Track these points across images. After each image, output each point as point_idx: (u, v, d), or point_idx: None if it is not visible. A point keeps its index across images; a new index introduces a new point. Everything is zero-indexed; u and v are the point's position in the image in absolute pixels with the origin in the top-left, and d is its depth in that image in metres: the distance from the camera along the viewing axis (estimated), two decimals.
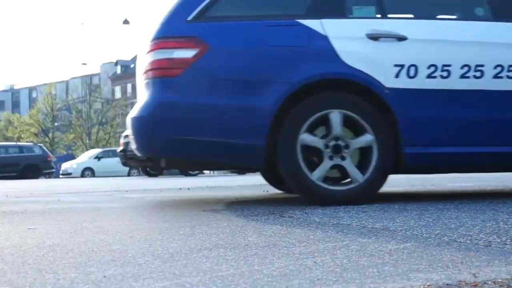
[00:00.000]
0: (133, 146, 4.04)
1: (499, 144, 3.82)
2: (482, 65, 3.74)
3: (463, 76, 3.72)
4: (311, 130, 3.69)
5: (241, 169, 14.16)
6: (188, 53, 3.71)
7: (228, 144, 3.71)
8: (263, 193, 5.53)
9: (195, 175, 21.53)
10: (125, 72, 79.03)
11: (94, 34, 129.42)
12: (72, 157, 62.79)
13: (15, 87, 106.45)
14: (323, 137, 3.70)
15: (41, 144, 30.26)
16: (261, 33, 3.77)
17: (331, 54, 3.67)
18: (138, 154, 4.08)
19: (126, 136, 17.88)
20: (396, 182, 7.10)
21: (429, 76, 3.70)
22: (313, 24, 3.73)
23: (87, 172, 26.79)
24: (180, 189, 6.70)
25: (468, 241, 2.18)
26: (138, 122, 3.83)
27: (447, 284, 1.48)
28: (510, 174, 9.74)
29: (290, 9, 4.03)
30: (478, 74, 3.73)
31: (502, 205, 3.51)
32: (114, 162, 24.85)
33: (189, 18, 3.80)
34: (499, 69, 3.75)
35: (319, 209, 3.51)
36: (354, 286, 1.48)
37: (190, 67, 3.69)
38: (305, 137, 3.66)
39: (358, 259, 1.85)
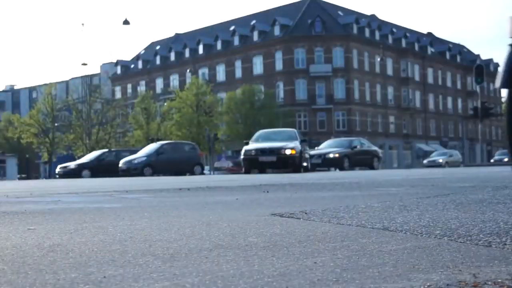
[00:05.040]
0: None
1: None
2: None
3: None
4: None
5: None
6: None
7: None
8: (263, 194, 5.53)
9: None
10: (125, 72, 79.01)
11: (94, 34, 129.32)
12: (72, 157, 62.83)
13: (15, 87, 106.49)
14: None
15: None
16: None
17: None
18: None
19: None
20: (397, 182, 7.10)
21: None
22: None
23: None
24: (180, 189, 6.70)
25: (468, 241, 2.18)
26: None
27: (447, 285, 1.48)
28: (510, 174, 9.73)
29: None
30: None
31: (502, 205, 3.51)
32: None
33: None
34: None
35: (319, 209, 3.51)
36: (354, 286, 1.48)
37: None
38: None
39: (358, 259, 1.85)
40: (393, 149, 65.15)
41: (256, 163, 18.57)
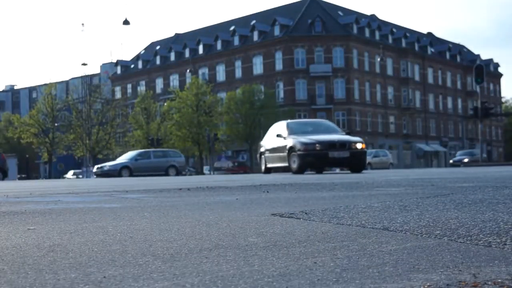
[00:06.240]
0: None
1: None
2: None
3: None
4: None
5: None
6: None
7: None
8: (263, 194, 5.53)
9: None
10: (125, 72, 79.02)
11: (94, 34, 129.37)
12: (72, 157, 62.89)
13: (15, 87, 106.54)
14: None
15: None
16: None
17: None
18: None
19: None
20: (397, 183, 7.09)
21: None
22: None
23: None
24: (180, 189, 6.69)
25: (468, 241, 2.18)
26: None
27: (447, 285, 1.48)
28: (510, 174, 9.73)
29: None
30: None
31: (502, 205, 3.51)
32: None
33: None
34: None
35: (319, 209, 3.51)
36: (354, 286, 1.48)
37: None
38: None
39: (358, 259, 1.85)
40: (393, 149, 65.18)
41: (324, 160, 15.01)
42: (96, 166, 29.70)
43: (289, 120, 18.41)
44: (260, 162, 18.21)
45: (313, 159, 15.00)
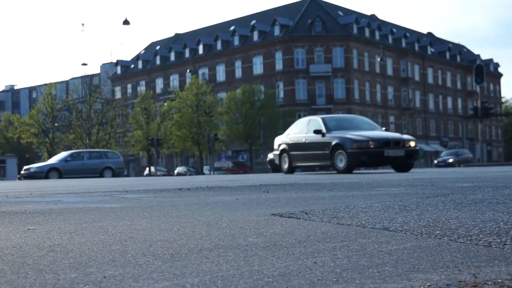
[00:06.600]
0: None
1: None
2: None
3: None
4: None
5: None
6: None
7: None
8: (263, 194, 5.53)
9: None
10: (125, 72, 79.00)
11: (94, 34, 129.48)
12: None
13: (15, 87, 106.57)
14: None
15: None
16: None
17: None
18: None
19: None
20: (397, 182, 7.09)
21: None
22: None
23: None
24: (180, 189, 6.69)
25: (468, 241, 2.18)
26: None
27: (447, 285, 1.48)
28: (510, 174, 9.73)
29: None
30: None
31: (502, 205, 3.51)
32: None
33: None
34: None
35: (319, 209, 3.51)
36: (354, 286, 1.48)
37: None
38: None
39: (358, 259, 1.85)
40: None
41: (378, 158, 14.09)
42: (24, 168, 27.25)
43: (323, 115, 16.86)
44: (281, 160, 16.46)
45: (367, 158, 13.95)
